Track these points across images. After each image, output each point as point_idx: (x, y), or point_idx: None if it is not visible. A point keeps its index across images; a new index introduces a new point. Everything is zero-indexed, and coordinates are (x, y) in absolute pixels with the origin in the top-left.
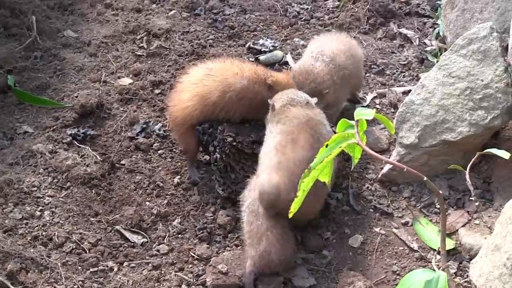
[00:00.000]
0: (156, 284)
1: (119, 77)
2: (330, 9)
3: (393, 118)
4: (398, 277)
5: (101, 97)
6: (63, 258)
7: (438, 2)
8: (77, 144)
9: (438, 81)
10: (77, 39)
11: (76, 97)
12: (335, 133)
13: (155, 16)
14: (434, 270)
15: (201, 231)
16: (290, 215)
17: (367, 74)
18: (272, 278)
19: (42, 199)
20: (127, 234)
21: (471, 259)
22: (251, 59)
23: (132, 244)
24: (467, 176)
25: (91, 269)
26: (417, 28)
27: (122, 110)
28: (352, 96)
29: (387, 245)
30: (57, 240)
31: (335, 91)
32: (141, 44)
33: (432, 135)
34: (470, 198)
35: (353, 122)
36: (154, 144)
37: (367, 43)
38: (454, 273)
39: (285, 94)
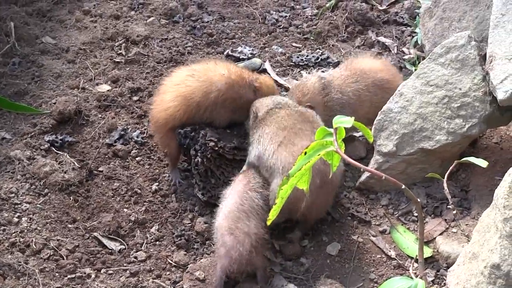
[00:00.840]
0: None
1: (97, 84)
2: (309, 17)
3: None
4: (375, 285)
5: (79, 103)
6: (41, 264)
7: (417, 10)
8: (55, 150)
9: (416, 89)
10: (55, 46)
11: (54, 103)
12: None
13: (133, 23)
14: (412, 278)
15: (179, 238)
16: (269, 223)
17: None
18: (252, 284)
19: (19, 206)
20: (105, 241)
21: (448, 267)
22: None
23: (110, 251)
24: (445, 185)
25: (69, 276)
26: (395, 37)
27: (100, 117)
28: None
29: (365, 253)
30: (34, 247)
31: None
32: (120, 51)
33: (410, 143)
34: (448, 206)
35: (331, 130)
36: (132, 151)
37: (345, 51)
38: (432, 281)
39: (268, 99)
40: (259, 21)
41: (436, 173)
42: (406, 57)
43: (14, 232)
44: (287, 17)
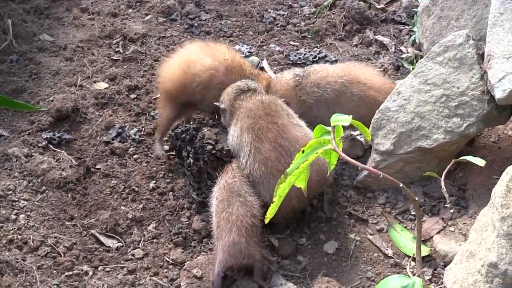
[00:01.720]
0: None
1: (95, 82)
2: (307, 15)
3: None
4: (372, 283)
5: (77, 101)
6: (38, 261)
7: (415, 9)
8: (53, 148)
9: (414, 88)
10: (53, 43)
11: (52, 101)
12: None
13: (131, 21)
14: (409, 276)
15: (176, 236)
16: (267, 221)
17: None
18: (248, 282)
19: (17, 203)
20: (102, 238)
21: (445, 266)
22: None
23: (107, 248)
24: (442, 183)
25: (66, 273)
26: (393, 35)
27: (98, 115)
28: None
29: (362, 252)
30: (32, 244)
31: None
32: (117, 49)
33: (407, 142)
34: (445, 205)
35: (329, 128)
36: (130, 149)
37: (343, 50)
38: (429, 279)
39: (230, 88)
40: (256, 19)
41: (433, 172)
42: (404, 55)
43: (12, 229)
44: (284, 16)
